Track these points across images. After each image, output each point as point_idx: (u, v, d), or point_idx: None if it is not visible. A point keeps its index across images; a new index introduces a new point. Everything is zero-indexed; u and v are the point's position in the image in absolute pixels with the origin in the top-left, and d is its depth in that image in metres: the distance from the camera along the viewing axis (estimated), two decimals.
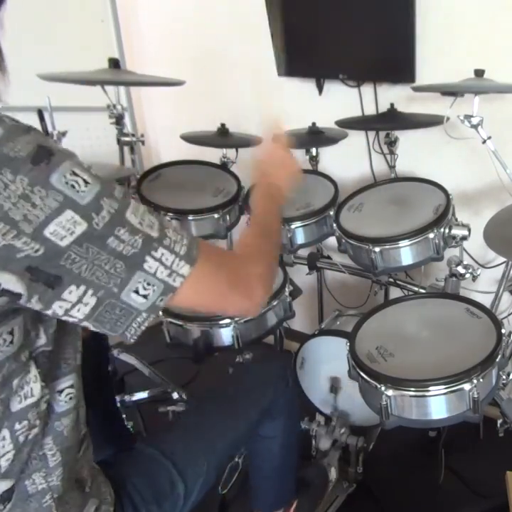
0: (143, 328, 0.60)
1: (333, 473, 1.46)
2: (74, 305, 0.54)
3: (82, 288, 0.53)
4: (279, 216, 0.93)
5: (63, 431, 0.66)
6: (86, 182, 0.52)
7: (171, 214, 1.45)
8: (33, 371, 0.60)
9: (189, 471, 0.86)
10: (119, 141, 1.80)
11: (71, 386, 0.68)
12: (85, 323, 0.57)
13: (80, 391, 0.70)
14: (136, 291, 0.56)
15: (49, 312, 0.55)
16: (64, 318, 0.55)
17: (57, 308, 0.54)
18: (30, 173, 0.49)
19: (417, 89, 1.45)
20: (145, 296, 0.57)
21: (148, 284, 0.57)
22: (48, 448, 0.64)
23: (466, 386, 0.96)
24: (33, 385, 0.60)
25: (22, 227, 0.48)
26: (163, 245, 0.58)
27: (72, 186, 0.51)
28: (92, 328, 0.58)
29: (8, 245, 0.48)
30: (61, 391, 0.66)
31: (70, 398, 0.67)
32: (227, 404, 1.00)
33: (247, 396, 1.03)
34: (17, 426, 0.59)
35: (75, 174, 0.51)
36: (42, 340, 0.61)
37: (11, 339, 0.56)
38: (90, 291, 0.54)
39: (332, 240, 1.44)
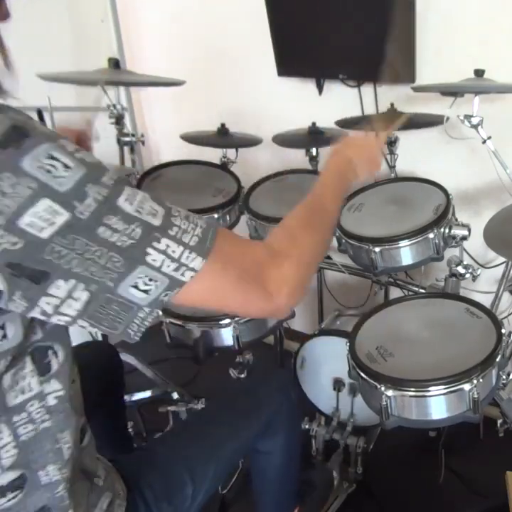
0: (146, 323, 0.55)
1: (334, 477, 1.46)
2: (63, 301, 0.50)
3: (72, 282, 0.49)
4: (340, 201, 0.82)
5: (79, 425, 0.67)
6: (66, 166, 0.47)
7: None
8: (29, 366, 0.59)
9: (198, 472, 0.87)
10: (119, 141, 1.80)
11: (73, 381, 0.68)
12: (80, 322, 0.52)
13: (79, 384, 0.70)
14: (136, 286, 0.52)
15: (36, 311, 0.51)
16: (55, 318, 0.52)
17: (45, 305, 0.50)
18: None
19: (417, 89, 1.45)
20: (146, 292, 0.52)
21: (151, 279, 0.52)
22: (64, 441, 0.64)
23: (466, 386, 0.96)
24: (31, 380, 0.59)
25: None
26: (167, 235, 0.52)
27: (48, 171, 0.46)
28: (89, 328, 0.54)
29: None
30: (73, 382, 0.67)
31: (75, 391, 0.68)
32: (231, 413, 1.01)
33: (250, 407, 1.03)
34: (15, 418, 0.59)
35: (52, 158, 0.46)
36: (38, 335, 0.59)
37: (2, 333, 0.54)
38: (81, 285, 0.49)
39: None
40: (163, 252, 0.52)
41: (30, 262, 0.47)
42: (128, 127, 1.98)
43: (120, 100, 1.76)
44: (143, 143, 1.87)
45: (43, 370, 0.61)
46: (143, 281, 0.52)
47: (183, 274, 0.53)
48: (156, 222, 0.52)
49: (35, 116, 1.51)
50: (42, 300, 0.49)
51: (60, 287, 0.49)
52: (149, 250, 0.51)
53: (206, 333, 1.24)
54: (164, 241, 0.52)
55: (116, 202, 0.50)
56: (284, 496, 1.22)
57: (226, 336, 1.24)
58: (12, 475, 0.60)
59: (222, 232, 0.58)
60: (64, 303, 0.50)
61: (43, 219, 0.46)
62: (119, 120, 1.73)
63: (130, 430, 1.54)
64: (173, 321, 1.25)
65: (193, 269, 0.54)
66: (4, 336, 0.54)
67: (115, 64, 1.56)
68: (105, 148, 2.18)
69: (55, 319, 0.52)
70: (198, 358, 1.23)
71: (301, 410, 1.26)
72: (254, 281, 0.61)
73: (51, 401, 0.62)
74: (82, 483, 0.70)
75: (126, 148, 1.83)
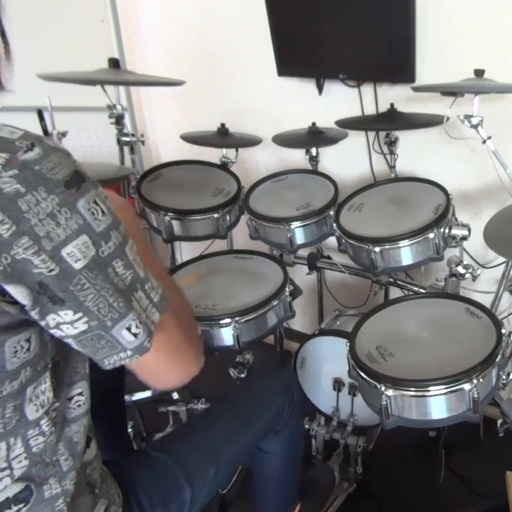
0: (123, 363, 0.60)
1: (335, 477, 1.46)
2: (65, 323, 0.55)
3: (79, 314, 0.55)
4: None
5: (73, 437, 0.67)
6: (103, 212, 0.55)
7: (171, 214, 1.45)
8: (48, 381, 0.61)
9: (196, 476, 0.87)
10: (119, 141, 1.80)
11: (80, 393, 0.69)
12: (69, 340, 0.57)
13: (89, 398, 0.71)
14: (129, 329, 0.57)
15: (43, 323, 0.55)
16: (53, 331, 0.56)
17: (51, 320, 0.55)
18: (62, 195, 0.52)
19: (417, 89, 1.45)
20: (135, 335, 0.58)
21: (141, 322, 0.58)
22: (61, 453, 0.65)
23: (466, 386, 0.96)
24: (48, 395, 0.61)
25: (43, 243, 0.50)
26: (143, 288, 0.60)
27: (93, 213, 0.54)
28: (74, 346, 0.58)
29: (27, 259, 0.50)
30: (70, 399, 0.68)
31: (79, 405, 0.68)
32: (232, 415, 1.01)
33: (252, 408, 1.03)
34: (30, 431, 0.61)
35: (96, 203, 0.55)
36: (55, 350, 0.62)
37: (27, 346, 0.57)
38: (84, 319, 0.55)
39: (332, 240, 1.44)
40: (139, 302, 0.59)
41: (56, 288, 0.52)
42: (128, 127, 1.98)
43: (120, 100, 1.75)
44: (143, 143, 1.87)
45: (57, 384, 0.64)
46: (135, 324, 0.58)
47: (151, 324, 0.60)
48: (141, 273, 0.60)
49: (35, 116, 1.51)
50: (50, 316, 0.54)
51: (67, 314, 0.54)
52: (132, 298, 0.58)
53: (206, 333, 1.24)
54: (139, 293, 0.59)
55: (125, 249, 0.58)
56: (286, 494, 1.22)
57: (226, 336, 1.24)
58: (20, 486, 0.61)
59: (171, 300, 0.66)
60: (65, 324, 0.55)
61: (80, 251, 0.53)
62: (119, 120, 1.73)
63: (130, 430, 1.54)
64: None
65: (153, 322, 0.61)
66: (28, 349, 0.57)
67: (115, 64, 1.56)
68: (105, 148, 2.20)
69: (52, 331, 0.56)
70: None
71: (303, 409, 1.25)
72: (194, 344, 0.70)
73: (52, 413, 0.63)
74: (87, 497, 0.69)
75: (126, 148, 1.83)
